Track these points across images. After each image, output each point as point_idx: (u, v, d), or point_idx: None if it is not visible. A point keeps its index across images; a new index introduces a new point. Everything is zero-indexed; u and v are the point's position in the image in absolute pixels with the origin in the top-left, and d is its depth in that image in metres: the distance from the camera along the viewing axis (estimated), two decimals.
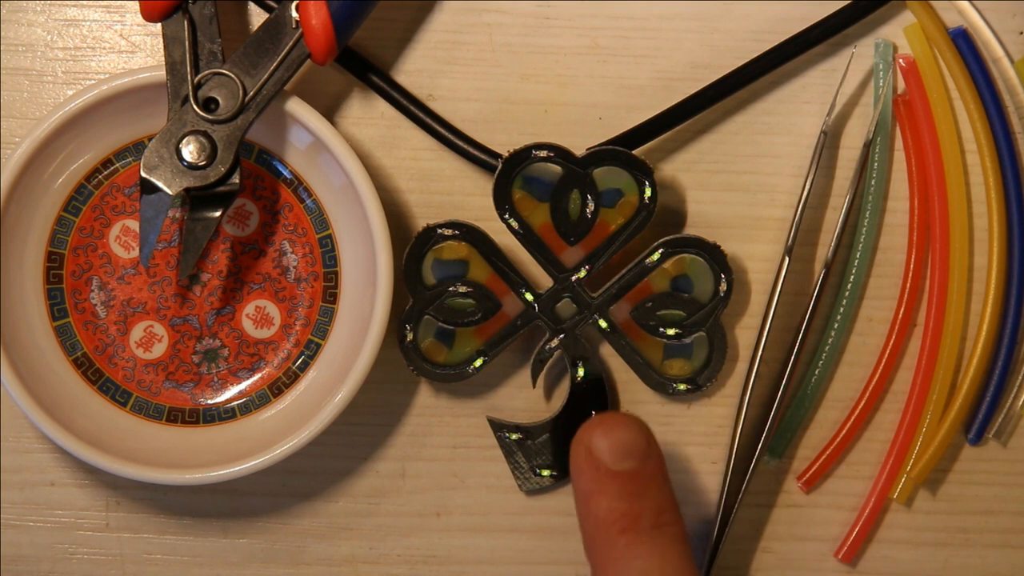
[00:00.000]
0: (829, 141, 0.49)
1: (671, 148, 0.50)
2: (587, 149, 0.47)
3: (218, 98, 0.45)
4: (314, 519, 0.50)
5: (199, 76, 0.45)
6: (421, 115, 0.49)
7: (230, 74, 0.45)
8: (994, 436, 0.50)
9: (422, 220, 0.49)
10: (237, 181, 0.46)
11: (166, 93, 0.45)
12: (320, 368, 0.48)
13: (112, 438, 0.47)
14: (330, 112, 0.49)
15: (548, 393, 0.50)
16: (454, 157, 0.49)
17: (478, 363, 0.48)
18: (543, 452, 0.49)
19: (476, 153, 0.48)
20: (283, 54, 0.45)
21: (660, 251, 0.48)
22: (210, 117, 0.45)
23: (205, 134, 0.45)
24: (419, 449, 0.50)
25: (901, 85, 0.50)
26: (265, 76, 0.45)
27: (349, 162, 0.46)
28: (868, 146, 0.49)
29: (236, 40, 0.47)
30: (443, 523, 0.50)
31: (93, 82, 0.47)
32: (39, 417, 0.45)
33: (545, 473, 0.49)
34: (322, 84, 0.49)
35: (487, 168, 0.48)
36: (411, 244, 0.47)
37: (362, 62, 0.49)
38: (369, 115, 0.49)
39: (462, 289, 0.47)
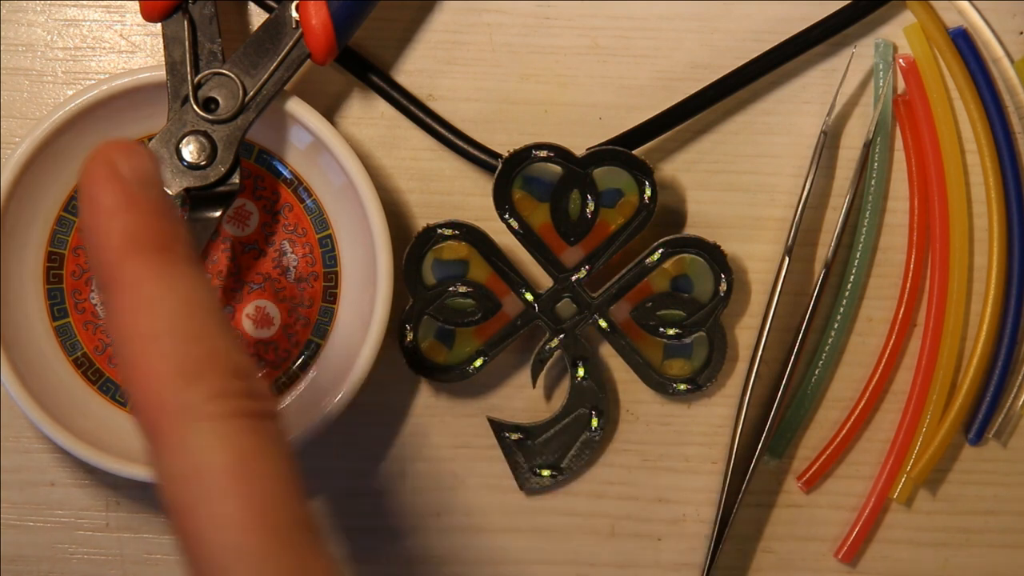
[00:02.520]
0: (829, 141, 0.49)
1: (671, 148, 0.50)
2: (587, 149, 0.47)
3: (218, 98, 0.45)
4: (314, 519, 0.50)
5: (199, 76, 0.45)
6: (421, 115, 0.49)
7: (230, 74, 0.45)
8: (994, 436, 0.50)
9: (422, 220, 0.49)
10: (237, 181, 0.46)
11: (166, 93, 0.45)
12: (320, 368, 0.48)
13: (112, 438, 0.47)
14: (330, 112, 0.49)
15: (548, 393, 0.50)
16: (454, 157, 0.49)
17: (478, 363, 0.48)
18: (543, 452, 0.49)
19: (476, 153, 0.48)
20: (283, 54, 0.46)
21: (660, 251, 0.48)
22: (210, 117, 0.45)
23: (205, 134, 0.45)
24: (419, 449, 0.50)
25: (901, 85, 0.50)
26: (265, 76, 0.45)
27: (349, 162, 0.46)
28: (868, 146, 0.49)
29: (236, 40, 0.47)
30: (443, 523, 0.50)
31: (93, 82, 0.47)
32: (39, 417, 0.45)
33: (545, 473, 0.49)
34: (322, 84, 0.49)
35: (487, 168, 0.48)
36: (411, 244, 0.47)
37: (362, 62, 0.49)
38: (369, 115, 0.49)
39: (462, 289, 0.47)
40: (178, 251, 0.34)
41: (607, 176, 0.47)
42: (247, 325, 0.49)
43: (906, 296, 0.49)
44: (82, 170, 0.35)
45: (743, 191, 0.50)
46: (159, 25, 0.46)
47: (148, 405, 0.33)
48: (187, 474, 0.32)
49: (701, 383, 0.48)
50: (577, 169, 0.47)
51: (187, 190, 0.46)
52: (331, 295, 0.49)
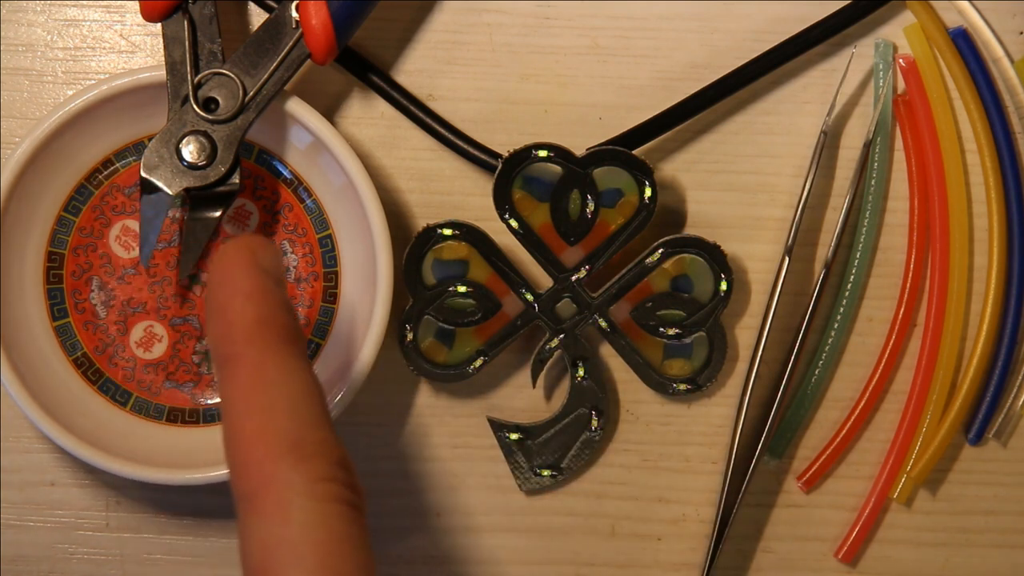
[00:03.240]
0: (829, 141, 0.49)
1: (671, 148, 0.50)
2: (587, 149, 0.47)
3: (218, 98, 0.45)
4: None
5: (199, 76, 0.45)
6: (421, 115, 0.49)
7: (230, 74, 0.45)
8: (994, 436, 0.50)
9: (422, 220, 0.49)
10: (237, 181, 0.46)
11: (166, 93, 0.45)
12: (320, 368, 0.48)
13: (112, 438, 0.47)
14: (330, 112, 0.49)
15: (548, 393, 0.50)
16: (454, 157, 0.49)
17: (478, 363, 0.48)
18: (543, 452, 0.49)
19: (476, 153, 0.48)
20: (283, 54, 0.46)
21: (660, 251, 0.48)
22: (210, 117, 0.45)
23: (205, 134, 0.45)
24: (419, 449, 0.50)
25: (901, 85, 0.50)
26: (265, 76, 0.45)
27: (349, 162, 0.46)
28: (868, 146, 0.49)
29: (236, 40, 0.47)
30: (443, 523, 0.50)
31: (93, 82, 0.47)
32: (39, 417, 0.45)
33: (545, 473, 0.49)
34: (322, 84, 0.49)
35: (487, 168, 0.48)
36: (411, 244, 0.47)
37: (362, 62, 0.49)
38: (369, 115, 0.49)
39: (462, 289, 0.47)
40: (300, 347, 0.37)
41: (607, 176, 0.47)
42: None
43: (906, 296, 0.49)
44: (220, 253, 0.39)
45: (743, 191, 0.50)
46: (159, 25, 0.46)
47: (253, 473, 0.35)
48: (282, 543, 0.34)
49: (701, 383, 0.48)
50: (577, 169, 0.47)
51: (187, 190, 0.46)
52: (331, 295, 0.49)
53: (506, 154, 0.47)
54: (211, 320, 0.38)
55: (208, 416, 0.48)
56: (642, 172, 0.47)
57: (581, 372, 0.48)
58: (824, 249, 0.50)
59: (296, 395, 0.36)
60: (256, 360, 0.36)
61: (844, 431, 0.50)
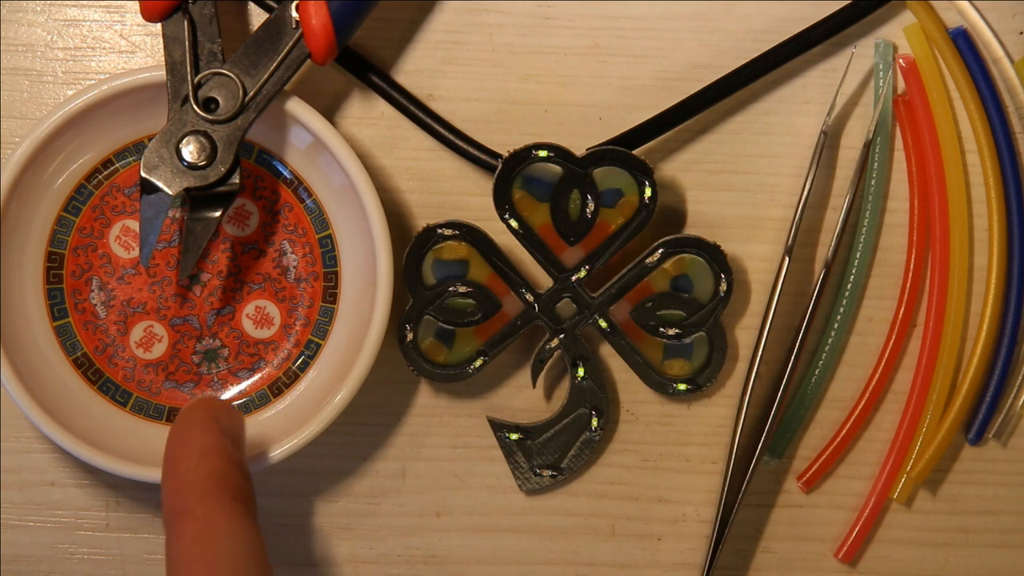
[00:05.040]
0: (829, 141, 0.49)
1: (671, 148, 0.50)
2: (587, 149, 0.47)
3: (218, 98, 0.45)
4: (314, 519, 0.50)
5: (199, 76, 0.45)
6: (421, 115, 0.49)
7: (230, 74, 0.45)
8: (994, 436, 0.50)
9: (422, 220, 0.49)
10: (237, 181, 0.46)
11: (166, 93, 0.45)
12: (320, 368, 0.48)
13: (112, 438, 0.47)
14: (330, 112, 0.49)
15: (548, 393, 0.50)
16: (454, 157, 0.49)
17: (478, 363, 0.48)
18: (543, 452, 0.49)
19: (476, 153, 0.48)
20: (283, 54, 0.46)
21: (660, 251, 0.48)
22: (210, 117, 0.45)
23: (205, 134, 0.45)
24: (419, 449, 0.50)
25: (901, 85, 0.50)
26: (265, 76, 0.45)
27: (349, 162, 0.46)
28: (868, 146, 0.49)
29: (236, 40, 0.47)
30: (443, 523, 0.50)
31: (93, 82, 0.47)
32: (39, 417, 0.45)
33: (545, 473, 0.49)
34: (322, 84, 0.49)
35: (487, 168, 0.48)
36: (411, 244, 0.47)
37: (362, 62, 0.49)
38: (369, 115, 0.49)
39: (462, 289, 0.47)
40: (251, 508, 0.39)
41: (607, 176, 0.47)
42: (247, 325, 0.49)
43: (906, 296, 0.49)
44: (182, 413, 0.41)
45: (743, 191, 0.50)
46: (159, 25, 0.46)
47: None
48: None
49: (701, 383, 0.48)
50: (577, 169, 0.47)
51: (187, 190, 0.46)
52: (331, 295, 0.49)
53: (506, 154, 0.47)
54: (165, 475, 0.40)
55: None
56: (642, 172, 0.47)
57: (581, 372, 0.48)
58: (824, 249, 0.50)
59: (242, 551, 0.38)
60: (205, 514, 0.38)
61: (844, 431, 0.50)
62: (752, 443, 0.49)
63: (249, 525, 0.39)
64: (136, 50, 0.50)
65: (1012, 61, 0.49)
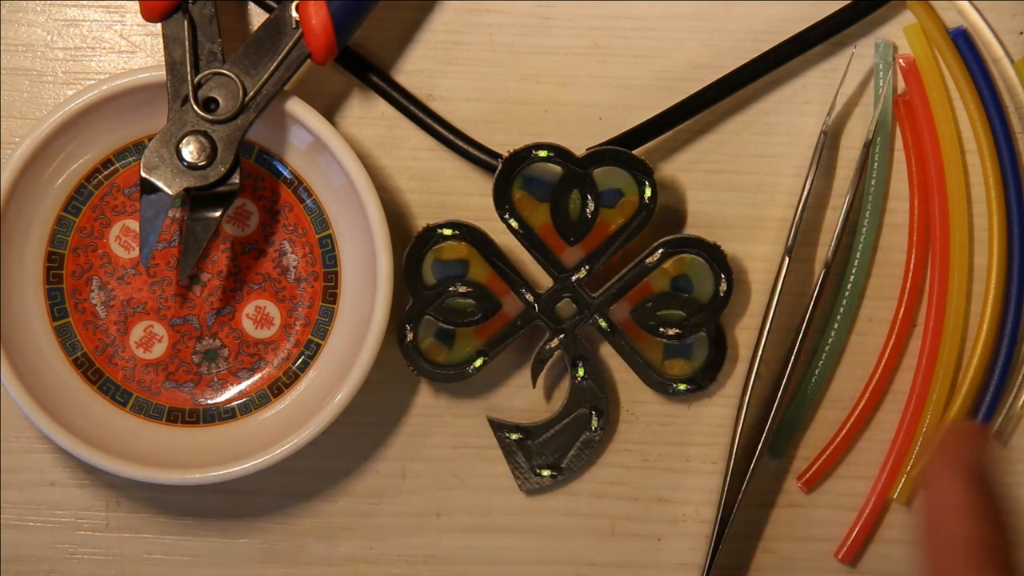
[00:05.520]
0: (829, 141, 0.49)
1: (671, 148, 0.50)
2: (587, 149, 0.47)
3: (218, 98, 0.45)
4: (314, 519, 0.50)
5: (199, 76, 0.45)
6: (421, 115, 0.49)
7: (230, 74, 0.45)
8: (994, 436, 0.50)
9: (422, 220, 0.49)
10: (237, 181, 0.46)
11: (166, 93, 0.45)
12: (320, 368, 0.48)
13: (112, 438, 0.47)
14: (330, 112, 0.49)
15: (548, 393, 0.50)
16: (454, 157, 0.49)
17: (478, 363, 0.48)
18: (543, 452, 0.49)
19: (476, 153, 0.48)
20: (283, 54, 0.46)
21: (660, 251, 0.48)
22: (210, 117, 0.45)
23: (205, 134, 0.45)
24: (419, 449, 0.50)
25: (901, 85, 0.50)
26: (265, 76, 0.45)
27: (349, 162, 0.46)
28: (868, 146, 0.49)
29: (236, 40, 0.47)
30: (443, 523, 0.50)
31: (93, 82, 0.47)
32: (39, 417, 0.45)
33: (545, 473, 0.49)
34: (322, 84, 0.49)
35: (487, 168, 0.48)
36: (411, 244, 0.47)
37: (362, 62, 0.49)
38: (369, 115, 0.49)
39: (462, 289, 0.47)
40: (1013, 565, 0.36)
41: (607, 176, 0.47)
42: (247, 325, 0.49)
43: (906, 296, 0.49)
44: (934, 454, 0.38)
45: (743, 191, 0.50)
46: (159, 25, 0.46)
47: None
48: None
49: (701, 383, 0.48)
50: (577, 169, 0.47)
51: (187, 190, 0.46)
52: (331, 295, 0.49)
53: (506, 154, 0.47)
54: (926, 531, 0.37)
55: (208, 416, 0.48)
56: (642, 172, 0.47)
57: (581, 372, 0.48)
58: (824, 249, 0.50)
59: None
60: None
61: (844, 431, 0.50)
62: (752, 443, 0.49)
63: None
64: (136, 50, 0.50)
65: (1012, 61, 0.49)
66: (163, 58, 0.45)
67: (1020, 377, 0.49)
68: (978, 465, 0.37)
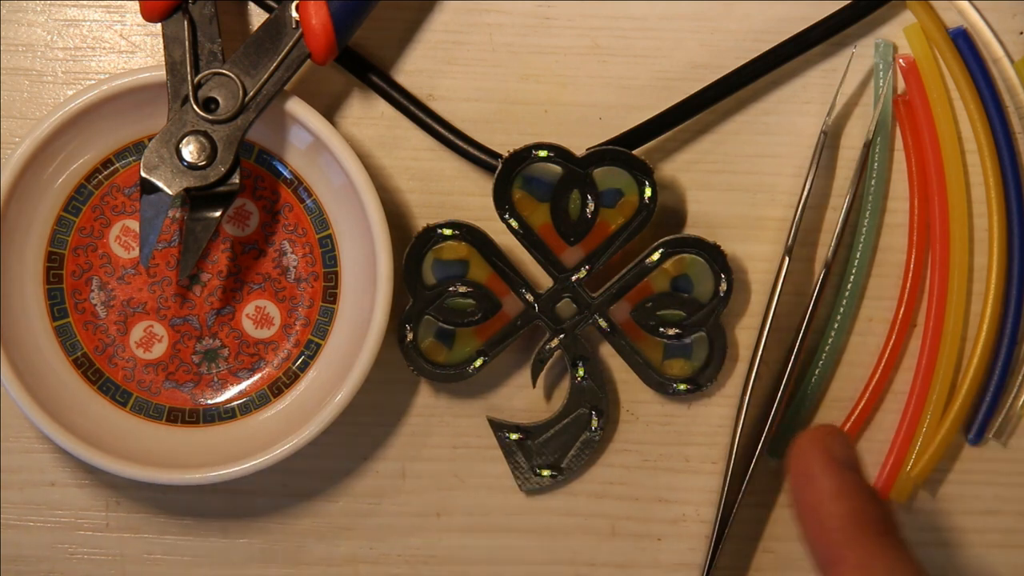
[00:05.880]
0: (829, 141, 0.49)
1: (671, 148, 0.50)
2: (587, 149, 0.47)
3: (218, 98, 0.45)
4: (314, 519, 0.50)
5: (199, 76, 0.45)
6: (421, 115, 0.49)
7: (230, 74, 0.45)
8: (994, 436, 0.50)
9: (422, 220, 0.49)
10: (237, 181, 0.46)
11: (166, 93, 0.45)
12: (320, 368, 0.48)
13: (112, 438, 0.47)
14: (330, 112, 0.49)
15: (548, 393, 0.50)
16: (454, 157, 0.49)
17: (478, 363, 0.48)
18: (543, 452, 0.49)
19: (476, 153, 0.48)
20: (283, 54, 0.46)
21: (660, 251, 0.48)
22: (210, 117, 0.45)
23: (205, 134, 0.45)
24: (419, 449, 0.50)
25: (901, 85, 0.50)
26: (265, 76, 0.45)
27: (349, 162, 0.46)
28: (868, 146, 0.49)
29: (236, 40, 0.47)
30: (443, 523, 0.50)
31: (93, 82, 0.47)
32: (39, 417, 0.45)
33: (545, 473, 0.49)
34: (322, 84, 0.49)
35: (487, 168, 0.48)
36: (411, 244, 0.47)
37: (362, 62, 0.49)
38: (369, 115, 0.49)
39: (462, 289, 0.47)
40: (898, 536, 0.38)
41: (607, 176, 0.47)
42: (247, 325, 0.49)
43: (906, 296, 0.49)
44: (794, 457, 0.41)
45: (743, 191, 0.50)
46: (159, 25, 0.46)
47: None
48: None
49: (701, 383, 0.48)
50: (577, 169, 0.47)
51: (187, 190, 0.46)
52: (331, 295, 0.49)
53: (506, 154, 0.47)
54: (805, 526, 0.39)
55: (208, 416, 0.48)
56: (642, 172, 0.47)
57: (581, 372, 0.48)
58: (824, 249, 0.50)
59: None
60: (860, 562, 0.38)
61: (844, 431, 0.50)
62: (752, 443, 0.49)
63: (903, 556, 0.38)
64: (136, 50, 0.50)
65: (1012, 61, 0.49)
66: (163, 58, 0.45)
67: (1020, 377, 0.49)
68: (842, 452, 0.40)
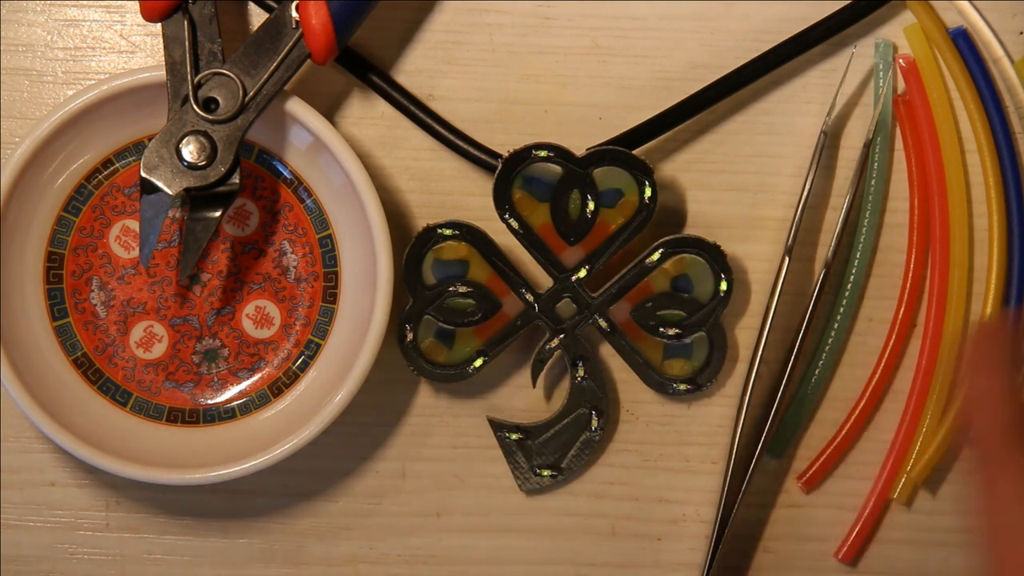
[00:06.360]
0: (829, 141, 0.49)
1: (671, 148, 0.50)
2: (587, 149, 0.47)
3: (218, 98, 0.45)
4: (314, 519, 0.50)
5: (199, 76, 0.45)
6: (421, 115, 0.49)
7: (230, 74, 0.45)
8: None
9: (422, 220, 0.49)
10: (237, 181, 0.46)
11: (166, 93, 0.45)
12: (320, 368, 0.48)
13: (112, 438, 0.47)
14: (330, 112, 0.49)
15: (548, 393, 0.50)
16: (454, 157, 0.49)
17: (478, 363, 0.48)
18: (543, 452, 0.49)
19: (476, 153, 0.48)
20: (283, 54, 0.46)
21: (660, 251, 0.48)
22: (210, 117, 0.45)
23: (205, 134, 0.45)
24: (419, 449, 0.50)
25: (901, 85, 0.50)
26: (265, 76, 0.45)
27: (349, 162, 0.46)
28: (868, 146, 0.49)
29: (236, 40, 0.47)
30: (443, 523, 0.50)
31: (93, 82, 0.47)
32: (39, 417, 0.45)
33: (545, 473, 0.49)
34: (322, 84, 0.49)
35: (487, 168, 0.48)
36: (411, 244, 0.47)
37: (362, 62, 0.49)
38: (369, 115, 0.49)
39: (462, 289, 0.47)
40: None
41: (607, 176, 0.47)
42: (247, 325, 0.49)
43: (906, 296, 0.49)
44: (981, 333, 0.41)
45: (743, 191, 0.50)
46: (159, 25, 0.46)
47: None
48: None
49: (701, 383, 0.48)
50: (577, 169, 0.47)
51: (187, 190, 0.46)
52: (331, 295, 0.49)
53: (506, 154, 0.47)
54: (975, 410, 0.39)
55: (208, 416, 0.48)
56: (642, 172, 0.47)
57: (581, 372, 0.48)
58: (824, 249, 0.50)
59: None
60: (1014, 473, 0.38)
61: (844, 431, 0.50)
62: (752, 443, 0.49)
63: None
64: (136, 50, 0.50)
65: (1012, 61, 0.49)
66: (163, 58, 0.45)
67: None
68: (1011, 354, 0.40)
